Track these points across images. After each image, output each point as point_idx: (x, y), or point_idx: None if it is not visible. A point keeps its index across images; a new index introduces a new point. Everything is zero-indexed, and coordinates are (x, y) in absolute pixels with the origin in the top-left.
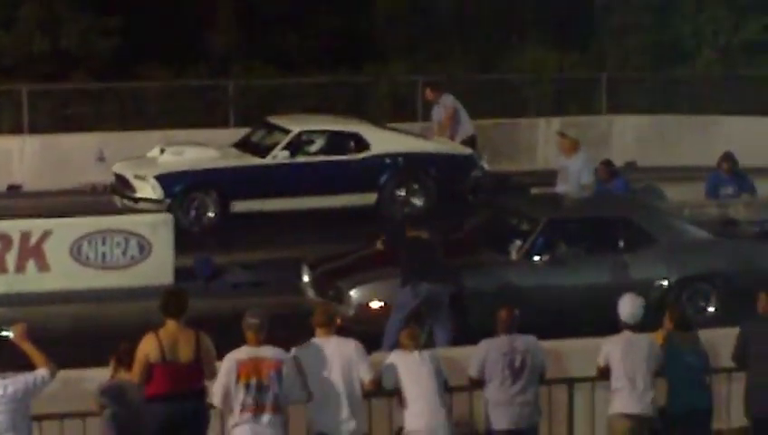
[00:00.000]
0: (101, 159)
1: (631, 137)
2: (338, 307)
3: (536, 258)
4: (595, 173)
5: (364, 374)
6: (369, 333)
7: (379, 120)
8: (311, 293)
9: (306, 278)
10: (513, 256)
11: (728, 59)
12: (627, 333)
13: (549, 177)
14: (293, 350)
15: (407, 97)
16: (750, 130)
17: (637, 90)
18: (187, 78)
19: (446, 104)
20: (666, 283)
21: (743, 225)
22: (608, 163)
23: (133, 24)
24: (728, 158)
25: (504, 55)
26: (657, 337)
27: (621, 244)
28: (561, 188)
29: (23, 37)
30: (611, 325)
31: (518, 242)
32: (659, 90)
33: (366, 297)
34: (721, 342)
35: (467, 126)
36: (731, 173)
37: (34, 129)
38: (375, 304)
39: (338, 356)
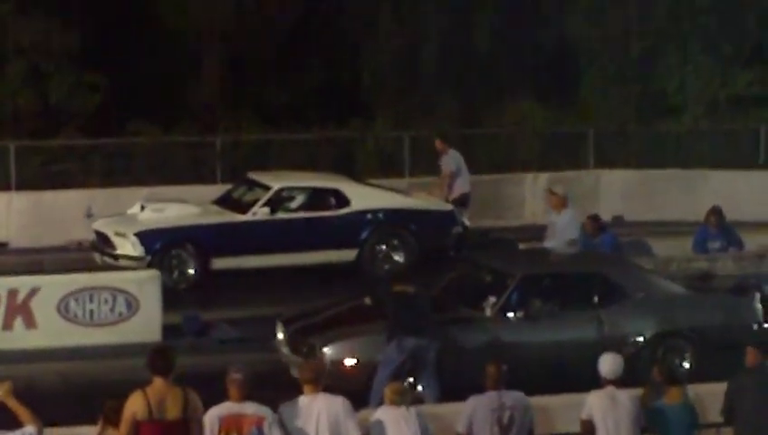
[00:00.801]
0: (90, 215)
1: (618, 191)
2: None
3: (510, 314)
4: (582, 228)
5: (352, 431)
6: (343, 390)
7: (362, 176)
8: (285, 350)
9: (280, 335)
10: (488, 312)
11: (715, 113)
12: (610, 388)
13: (536, 232)
14: (280, 407)
15: (393, 153)
16: (737, 184)
17: (623, 144)
18: (174, 134)
19: (447, 162)
20: (641, 338)
21: (718, 279)
22: (595, 218)
23: (120, 80)
24: (715, 212)
25: (489, 110)
26: (645, 392)
27: (596, 299)
28: (548, 243)
29: (9, 93)
30: (588, 381)
31: (492, 298)
32: (646, 144)
33: (339, 354)
34: (709, 396)
35: (465, 183)
36: (718, 227)
37: (21, 185)
38: (349, 362)
39: (325, 413)
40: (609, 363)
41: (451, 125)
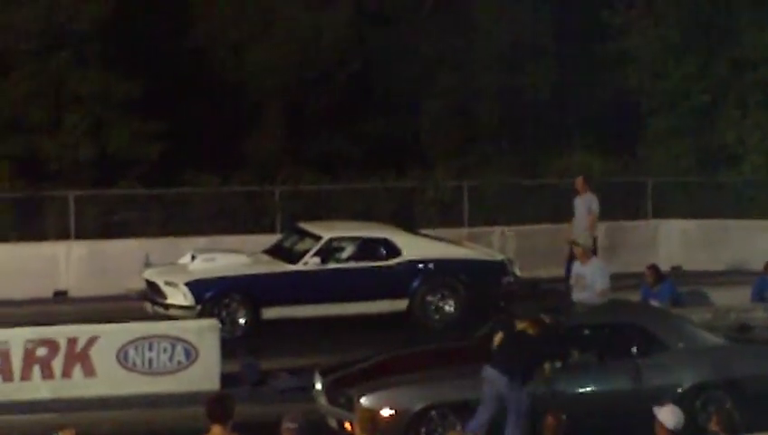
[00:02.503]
0: (149, 264)
1: (677, 241)
2: (348, 415)
3: (546, 366)
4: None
5: None
6: None
7: (421, 226)
8: (323, 400)
9: (318, 386)
10: None
11: None
12: None
13: None
14: None
15: (452, 202)
16: None
17: (682, 194)
18: (234, 184)
19: (591, 206)
20: (679, 389)
21: (757, 329)
22: (654, 268)
23: (179, 130)
24: None
25: (548, 160)
26: None
27: (634, 350)
28: (577, 295)
29: (69, 143)
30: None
31: None
32: (705, 194)
33: (376, 405)
34: None
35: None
36: None
37: (80, 234)
38: (386, 412)
39: None
40: (671, 414)
41: (509, 175)
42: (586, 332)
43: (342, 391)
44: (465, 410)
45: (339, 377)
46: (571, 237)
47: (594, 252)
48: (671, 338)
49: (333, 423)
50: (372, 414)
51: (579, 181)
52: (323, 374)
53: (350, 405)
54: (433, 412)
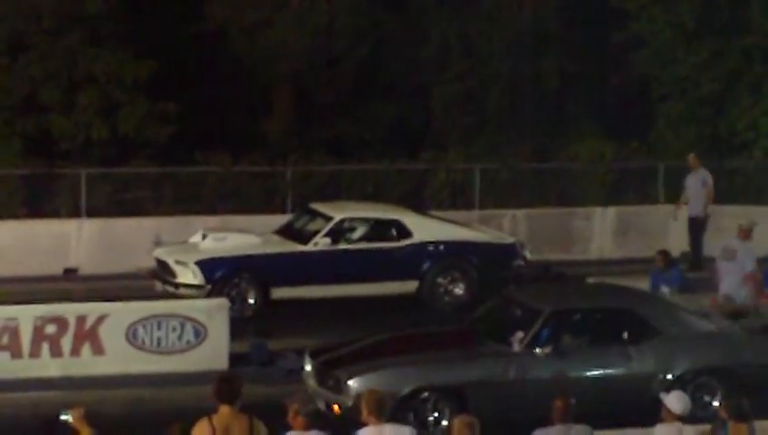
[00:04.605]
0: (159, 243)
1: (687, 227)
2: (336, 397)
3: (538, 350)
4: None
5: None
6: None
7: (432, 208)
8: (312, 382)
9: (308, 367)
10: (516, 347)
11: None
12: (677, 424)
13: (603, 266)
14: None
15: (464, 185)
16: None
17: None
18: (245, 164)
19: (706, 181)
20: (670, 376)
21: (749, 317)
22: (665, 253)
23: (191, 110)
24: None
25: (560, 144)
26: (712, 429)
27: (625, 335)
28: (727, 267)
29: (81, 122)
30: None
31: (520, 333)
32: (716, 179)
33: (364, 387)
34: None
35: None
36: None
37: (92, 212)
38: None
39: None
40: (677, 399)
41: (521, 159)
42: (577, 316)
43: (331, 372)
44: (453, 393)
45: (328, 359)
46: (681, 213)
47: (704, 228)
48: (664, 324)
49: (322, 405)
50: (379, 396)
51: (691, 158)
52: (313, 356)
53: (338, 387)
54: (421, 395)
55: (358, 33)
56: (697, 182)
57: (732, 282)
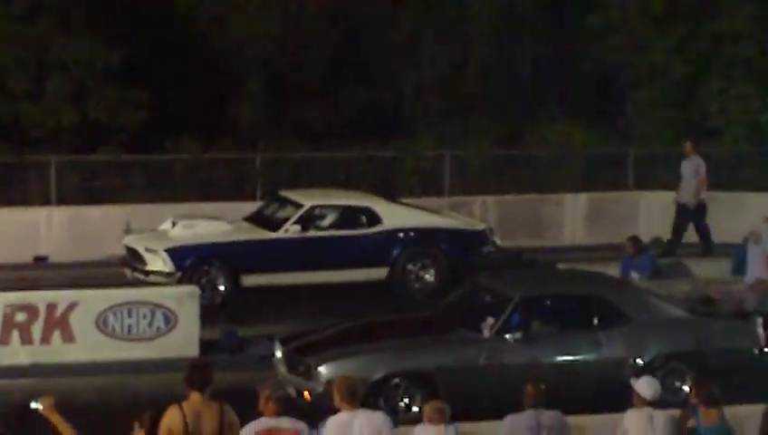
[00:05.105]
0: (129, 231)
1: (658, 213)
2: (306, 384)
3: (508, 336)
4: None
5: None
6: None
7: (402, 195)
8: (282, 368)
9: (278, 354)
10: (486, 333)
11: (756, 135)
12: (647, 409)
13: (574, 252)
14: (321, 424)
15: (434, 171)
16: None
17: (664, 166)
18: (215, 151)
19: (699, 169)
20: (640, 361)
21: (720, 303)
22: (635, 239)
23: (161, 97)
24: (754, 235)
25: (530, 130)
26: (682, 413)
27: (595, 321)
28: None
29: (51, 109)
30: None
31: (490, 319)
32: None
33: (335, 373)
34: (747, 418)
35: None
36: None
37: (62, 200)
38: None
39: (367, 429)
40: (647, 384)
41: (492, 145)
42: (547, 302)
43: (302, 359)
44: (424, 379)
45: (298, 345)
46: (678, 200)
47: (702, 215)
48: (633, 310)
49: (292, 391)
50: (352, 382)
51: (687, 145)
52: (283, 343)
53: (309, 374)
54: (392, 381)
55: (329, 18)
56: (691, 169)
57: (759, 265)
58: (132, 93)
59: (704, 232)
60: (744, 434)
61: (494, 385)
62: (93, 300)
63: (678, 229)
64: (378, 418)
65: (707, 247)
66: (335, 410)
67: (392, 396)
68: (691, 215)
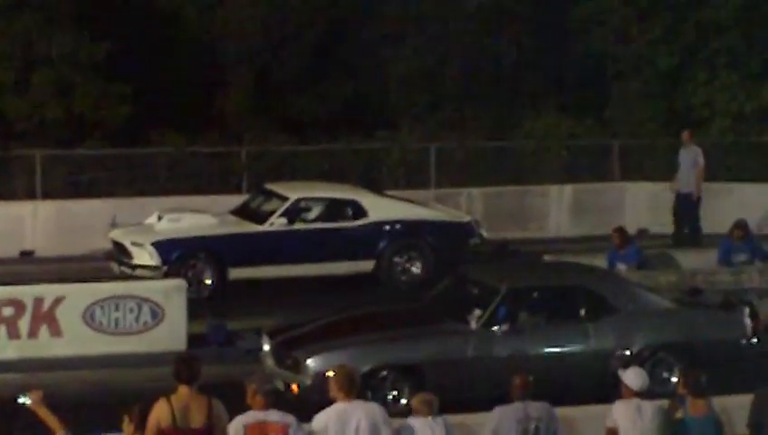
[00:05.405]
0: (115, 224)
1: (644, 204)
2: (294, 377)
3: (495, 328)
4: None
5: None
6: (327, 403)
7: (388, 188)
8: (270, 362)
9: (266, 347)
10: (473, 325)
11: (741, 126)
12: (636, 400)
13: (560, 244)
14: (317, 416)
15: (419, 164)
16: (763, 198)
17: (649, 157)
18: (200, 144)
19: (698, 158)
20: (628, 352)
21: (706, 293)
22: (621, 230)
23: (146, 91)
24: (740, 226)
25: (516, 122)
26: (670, 404)
27: (582, 312)
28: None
29: (36, 103)
30: (575, 395)
31: (477, 311)
32: (672, 157)
33: (323, 366)
34: (735, 408)
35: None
36: (743, 240)
37: (47, 194)
38: (332, 374)
39: (364, 420)
40: (635, 375)
41: (477, 137)
42: (534, 294)
43: (289, 352)
44: (412, 371)
45: (286, 338)
46: (677, 190)
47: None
48: (620, 301)
49: (280, 385)
50: (349, 372)
51: (685, 134)
52: (271, 336)
53: (297, 367)
54: (380, 374)
55: (314, 9)
56: (688, 158)
57: None
58: (117, 87)
59: (695, 221)
60: (732, 424)
61: (481, 377)
62: (80, 294)
63: (692, 220)
64: (374, 408)
65: (695, 238)
66: (326, 403)
67: (380, 388)
68: (695, 203)
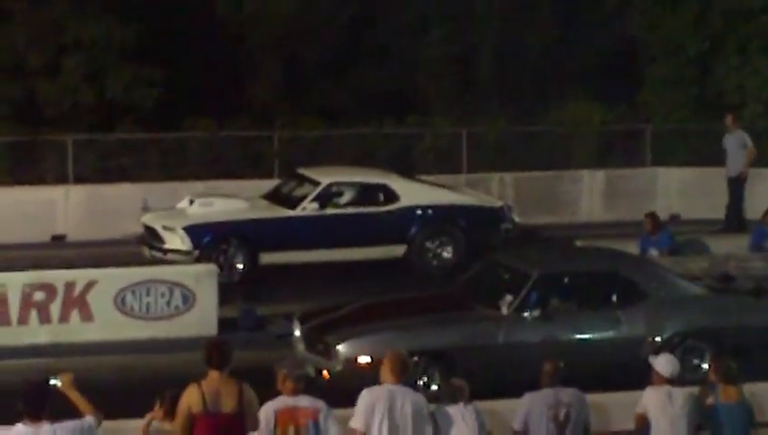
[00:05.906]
0: (147, 208)
1: (676, 189)
2: (325, 362)
3: (526, 313)
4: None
5: (427, 426)
6: (357, 388)
7: (419, 173)
8: (301, 347)
9: (297, 332)
10: (504, 311)
11: None
12: (666, 387)
13: (591, 229)
14: (362, 393)
15: (451, 149)
16: None
17: (681, 142)
18: (231, 129)
19: (746, 141)
20: (659, 339)
21: (738, 279)
22: (653, 216)
23: (177, 75)
24: None
25: (547, 107)
26: (701, 391)
27: (614, 299)
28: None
29: (68, 88)
30: (605, 381)
31: (509, 297)
32: (704, 142)
33: (354, 352)
34: (766, 395)
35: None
36: None
37: (79, 179)
38: (363, 359)
39: (409, 406)
40: (666, 362)
41: (509, 122)
42: (566, 280)
43: (320, 338)
44: (443, 357)
45: (317, 324)
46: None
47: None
48: (652, 287)
49: (311, 370)
50: (404, 357)
51: (729, 119)
52: (302, 321)
53: (328, 352)
54: (411, 359)
55: None
56: (735, 143)
57: None
58: (148, 71)
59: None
60: (763, 411)
61: (512, 363)
62: (111, 279)
63: (737, 204)
64: (421, 398)
65: (740, 222)
66: (356, 388)
67: (411, 374)
68: (741, 184)
